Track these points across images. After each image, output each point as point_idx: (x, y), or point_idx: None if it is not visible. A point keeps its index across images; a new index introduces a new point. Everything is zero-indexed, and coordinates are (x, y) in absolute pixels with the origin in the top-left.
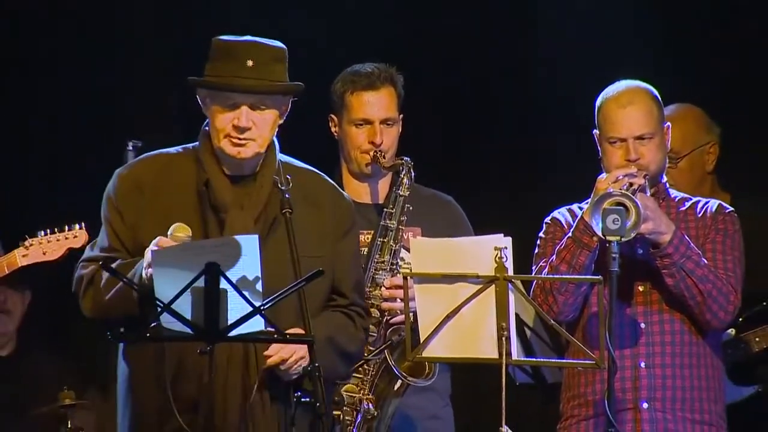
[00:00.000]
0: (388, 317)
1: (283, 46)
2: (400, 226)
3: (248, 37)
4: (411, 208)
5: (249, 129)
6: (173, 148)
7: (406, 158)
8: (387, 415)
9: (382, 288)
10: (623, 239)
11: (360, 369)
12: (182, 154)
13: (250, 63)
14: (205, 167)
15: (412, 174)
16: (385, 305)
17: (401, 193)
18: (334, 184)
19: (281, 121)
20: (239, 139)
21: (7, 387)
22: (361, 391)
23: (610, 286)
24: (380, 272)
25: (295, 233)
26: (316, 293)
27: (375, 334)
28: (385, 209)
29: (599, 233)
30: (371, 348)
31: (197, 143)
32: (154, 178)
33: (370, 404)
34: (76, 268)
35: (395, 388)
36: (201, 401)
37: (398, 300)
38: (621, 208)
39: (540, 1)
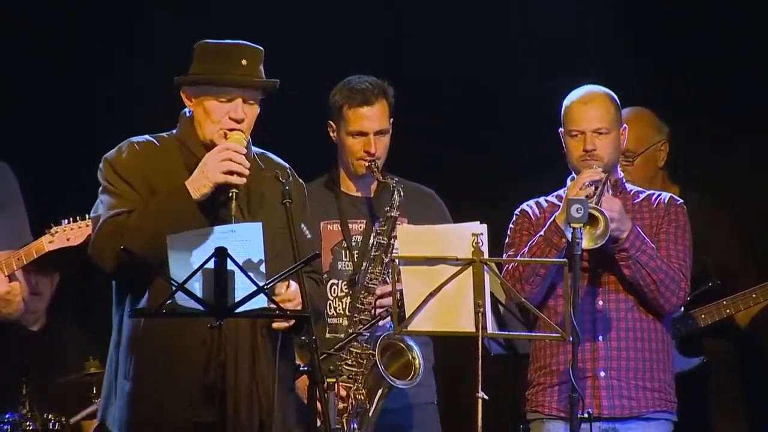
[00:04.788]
0: (378, 318)
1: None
2: (391, 242)
3: (232, 40)
4: (399, 224)
5: (243, 120)
6: (149, 136)
7: (395, 179)
8: (375, 409)
9: (375, 295)
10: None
11: (355, 362)
12: (164, 140)
13: (244, 62)
14: (194, 153)
15: (401, 194)
16: (379, 300)
17: (392, 214)
18: (291, 168)
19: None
20: (232, 130)
21: (39, 358)
22: (355, 386)
23: (573, 267)
24: (373, 281)
25: (271, 210)
26: (285, 260)
27: (366, 334)
28: (377, 228)
29: (568, 237)
30: (365, 345)
31: (174, 131)
32: (145, 162)
33: (361, 397)
34: (97, 227)
35: (382, 390)
36: (210, 368)
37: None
38: (584, 198)
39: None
